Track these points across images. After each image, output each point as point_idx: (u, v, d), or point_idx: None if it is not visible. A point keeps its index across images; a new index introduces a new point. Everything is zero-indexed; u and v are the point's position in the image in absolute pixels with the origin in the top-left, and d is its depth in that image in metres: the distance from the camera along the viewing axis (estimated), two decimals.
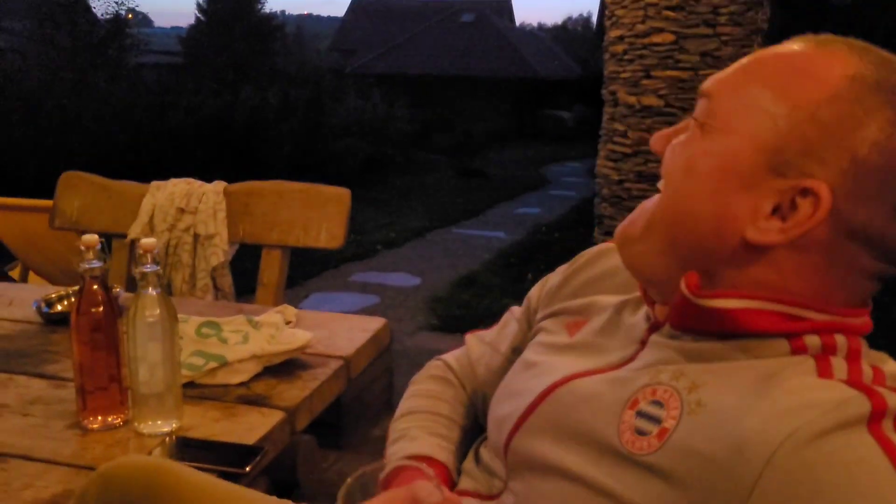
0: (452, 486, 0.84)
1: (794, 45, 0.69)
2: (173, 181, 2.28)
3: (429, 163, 12.32)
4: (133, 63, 11.65)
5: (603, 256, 0.90)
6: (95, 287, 1.09)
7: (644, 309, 0.76)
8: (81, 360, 1.10)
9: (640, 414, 0.65)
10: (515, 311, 0.99)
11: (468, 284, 5.20)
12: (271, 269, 2.16)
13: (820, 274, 0.66)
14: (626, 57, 5.11)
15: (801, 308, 0.65)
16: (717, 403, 0.61)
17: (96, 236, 1.08)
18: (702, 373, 0.65)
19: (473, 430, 0.95)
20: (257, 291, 2.13)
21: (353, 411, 2.75)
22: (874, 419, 0.55)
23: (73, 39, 9.61)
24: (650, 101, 5.00)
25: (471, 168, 11.55)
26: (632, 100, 5.09)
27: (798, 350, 0.63)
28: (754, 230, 0.65)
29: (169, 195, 2.23)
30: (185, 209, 2.21)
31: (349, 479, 0.68)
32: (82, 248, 1.08)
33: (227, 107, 9.67)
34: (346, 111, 11.74)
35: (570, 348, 0.79)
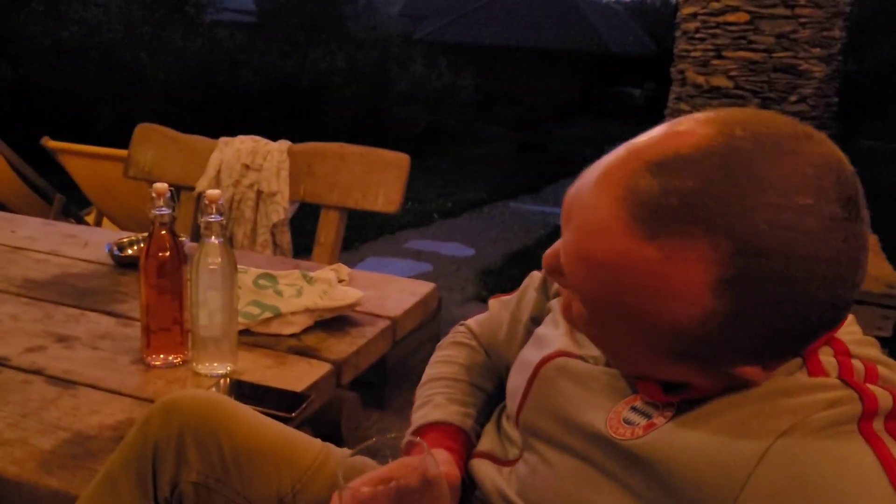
0: (472, 450, 0.87)
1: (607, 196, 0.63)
2: (240, 138, 2.36)
3: (490, 134, 12.26)
4: (208, 20, 11.86)
5: None
6: (164, 232, 1.16)
7: None
8: (148, 302, 1.17)
9: (634, 409, 0.67)
10: (535, 277, 1.00)
11: (521, 259, 5.20)
12: (329, 229, 2.22)
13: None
14: (697, 35, 4.98)
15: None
16: (712, 405, 0.62)
17: (166, 185, 1.15)
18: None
19: (498, 393, 0.97)
20: (314, 250, 2.20)
21: (397, 374, 2.83)
22: (865, 418, 0.56)
23: None
24: (719, 81, 4.87)
25: (533, 142, 11.45)
26: (700, 79, 4.96)
27: None
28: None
29: (236, 151, 2.31)
30: (251, 166, 2.29)
31: (347, 459, 0.71)
32: (153, 195, 1.15)
33: (296, 68, 9.79)
34: (412, 78, 11.74)
35: (568, 328, 0.80)
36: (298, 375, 1.19)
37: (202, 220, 1.14)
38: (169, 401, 0.88)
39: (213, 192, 1.12)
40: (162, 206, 1.16)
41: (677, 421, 0.63)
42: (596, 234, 0.59)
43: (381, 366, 2.65)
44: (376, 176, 2.22)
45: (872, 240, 3.51)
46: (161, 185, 1.15)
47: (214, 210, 1.12)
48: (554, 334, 0.80)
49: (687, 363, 0.61)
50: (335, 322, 1.35)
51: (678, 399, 0.65)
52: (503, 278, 4.78)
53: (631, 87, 17.58)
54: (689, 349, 0.59)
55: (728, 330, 0.57)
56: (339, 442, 1.44)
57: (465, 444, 0.87)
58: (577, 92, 16.97)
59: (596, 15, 19.47)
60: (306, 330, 1.33)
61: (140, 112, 5.19)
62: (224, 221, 1.14)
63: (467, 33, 18.46)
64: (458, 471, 0.81)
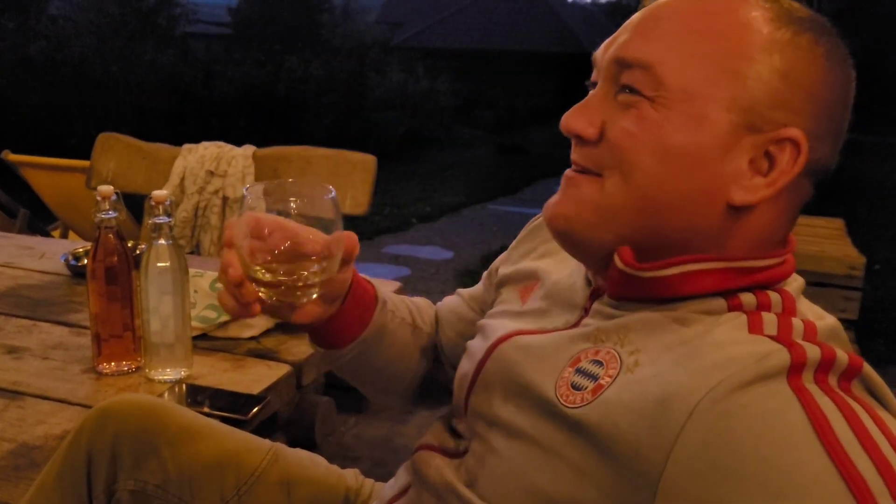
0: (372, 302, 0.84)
1: None
2: (204, 144, 2.33)
3: (469, 138, 12.28)
4: (181, 32, 11.80)
5: None
6: (110, 237, 1.13)
7: (584, 274, 0.75)
8: (97, 309, 1.15)
9: (579, 371, 0.65)
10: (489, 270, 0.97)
11: None
12: None
13: (780, 219, 0.66)
14: None
15: (744, 260, 0.65)
16: (652, 362, 0.61)
17: (111, 187, 1.12)
18: (643, 337, 0.64)
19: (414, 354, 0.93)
20: None
21: None
22: (793, 371, 0.54)
23: (122, 7, 9.76)
24: None
25: (512, 145, 11.48)
26: None
27: (733, 308, 0.63)
28: (741, 192, 0.63)
29: (199, 158, 2.28)
30: (215, 172, 2.26)
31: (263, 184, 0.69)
32: (98, 198, 1.12)
33: (272, 78, 9.76)
34: (389, 84, 11.74)
35: (521, 315, 0.79)
36: (256, 378, 1.17)
37: (150, 221, 1.11)
38: (104, 407, 0.86)
39: (159, 193, 1.10)
40: (108, 210, 1.13)
41: (621, 380, 0.62)
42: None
43: None
44: (342, 178, 2.20)
45: (838, 223, 3.54)
46: (106, 188, 1.12)
47: (162, 211, 1.10)
48: (504, 322, 0.78)
49: (745, 135, 0.63)
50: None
51: (650, 267, 0.65)
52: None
53: None
54: (755, 104, 0.63)
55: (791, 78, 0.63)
56: (312, 447, 1.41)
57: (373, 300, 0.84)
58: (555, 94, 17.03)
59: (571, 16, 19.59)
60: (266, 332, 1.31)
61: (113, 126, 5.13)
62: (172, 223, 1.12)
63: (444, 38, 18.50)
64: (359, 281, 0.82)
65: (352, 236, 0.70)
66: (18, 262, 1.64)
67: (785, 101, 0.63)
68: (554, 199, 0.71)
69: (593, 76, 0.71)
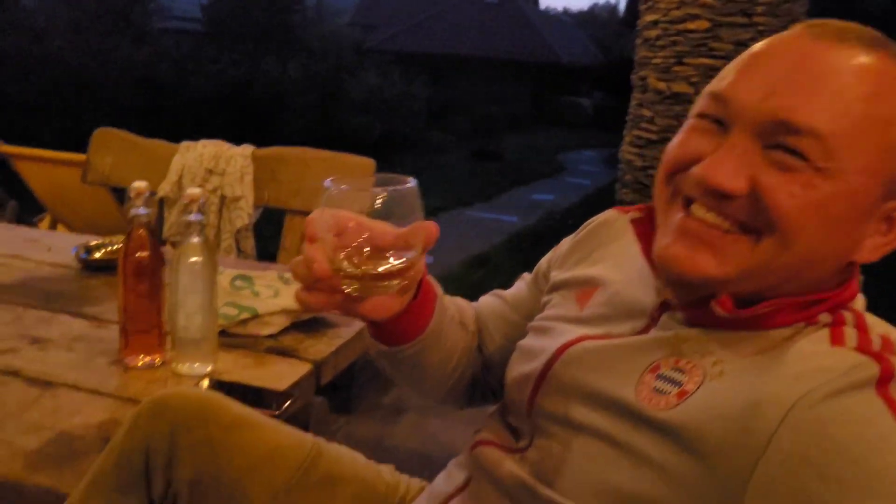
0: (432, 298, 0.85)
1: (852, 54, 0.66)
2: (203, 142, 2.34)
3: (444, 143, 12.33)
4: (155, 28, 11.67)
5: (608, 226, 0.91)
6: (142, 232, 1.15)
7: (649, 284, 0.78)
8: (126, 303, 1.16)
9: (661, 377, 0.69)
10: (527, 276, 1.01)
11: (479, 265, 5.26)
12: (294, 234, 2.22)
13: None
14: (658, 42, 5.09)
15: (823, 293, 0.69)
16: (737, 372, 0.66)
17: (146, 183, 1.14)
18: (724, 349, 0.68)
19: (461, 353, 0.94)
20: (279, 255, 2.19)
21: (364, 377, 2.82)
22: (882, 382, 0.60)
23: (97, 2, 9.63)
24: (681, 87, 4.97)
25: (486, 151, 11.56)
26: (662, 86, 5.07)
27: (812, 323, 0.68)
28: (866, 252, 0.69)
29: (198, 156, 2.29)
30: (214, 170, 2.27)
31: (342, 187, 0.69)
32: (132, 195, 1.14)
33: (247, 76, 9.71)
34: (364, 87, 11.74)
35: (582, 320, 0.81)
36: (279, 375, 1.19)
37: (183, 219, 1.14)
38: (158, 399, 0.88)
39: (194, 192, 1.12)
40: (140, 207, 1.15)
41: (707, 387, 0.66)
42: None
43: (349, 369, 2.65)
44: None
45: None
46: (140, 184, 1.14)
47: (195, 209, 1.12)
48: (567, 326, 0.81)
49: (882, 203, 0.67)
50: (312, 323, 1.36)
51: (749, 314, 0.67)
52: (462, 285, 4.81)
53: (581, 96, 17.89)
54: None
55: None
56: None
57: (434, 295, 0.85)
58: (528, 101, 17.19)
59: (545, 26, 19.77)
60: (283, 331, 1.33)
61: (89, 120, 5.08)
62: (204, 220, 1.14)
63: (419, 42, 18.52)
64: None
65: (432, 226, 0.70)
66: (28, 254, 1.64)
67: None
68: (682, 249, 0.69)
69: (714, 110, 0.70)
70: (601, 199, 6.24)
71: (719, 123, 0.69)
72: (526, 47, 18.22)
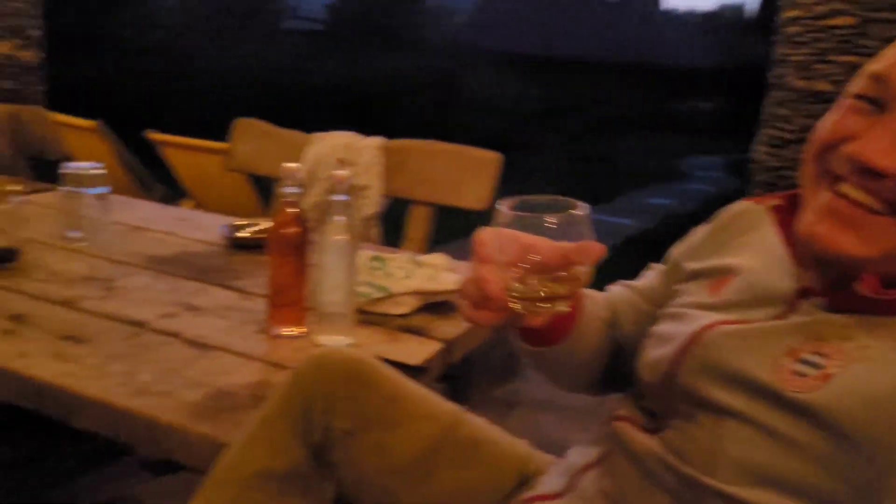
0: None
1: None
2: (335, 133, 2.44)
3: (557, 145, 12.24)
4: (281, 28, 12.21)
5: (743, 216, 0.91)
6: (291, 210, 1.23)
7: (788, 271, 0.77)
8: (274, 276, 1.24)
9: (802, 361, 0.68)
10: (656, 266, 1.02)
11: (594, 266, 5.19)
12: (418, 224, 2.28)
13: None
14: (799, 39, 4.87)
15: None
16: (884, 355, 0.65)
17: (297, 165, 1.21)
18: (867, 334, 0.67)
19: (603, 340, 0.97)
20: (404, 245, 2.26)
21: (478, 368, 2.85)
22: None
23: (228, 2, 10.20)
24: (822, 86, 4.73)
25: (600, 154, 11.40)
26: (801, 84, 4.84)
27: None
28: None
29: (330, 146, 2.40)
30: (345, 160, 2.37)
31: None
32: (282, 175, 1.22)
33: (365, 75, 10.00)
34: (479, 87, 11.84)
35: (713, 307, 0.82)
36: (412, 351, 1.23)
37: (329, 199, 1.20)
38: (320, 355, 0.95)
39: (341, 173, 1.18)
40: (291, 186, 1.22)
41: (851, 370, 0.65)
42: None
43: (465, 359, 2.69)
44: (466, 173, 2.27)
45: None
46: (290, 166, 1.22)
47: (343, 189, 1.18)
48: (701, 312, 0.81)
49: None
50: (441, 305, 1.40)
51: (893, 294, 0.66)
52: None
53: (702, 100, 17.33)
54: None
55: None
56: None
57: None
58: (646, 103, 16.80)
59: (667, 26, 19.25)
60: (413, 311, 1.38)
61: (220, 113, 5.39)
62: (350, 201, 1.20)
63: (536, 43, 18.44)
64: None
65: (598, 247, 0.70)
66: (180, 231, 1.78)
67: None
68: (826, 228, 0.70)
69: (873, 91, 0.71)
70: (723, 206, 6.01)
71: (875, 104, 0.69)
72: (645, 48, 17.83)
